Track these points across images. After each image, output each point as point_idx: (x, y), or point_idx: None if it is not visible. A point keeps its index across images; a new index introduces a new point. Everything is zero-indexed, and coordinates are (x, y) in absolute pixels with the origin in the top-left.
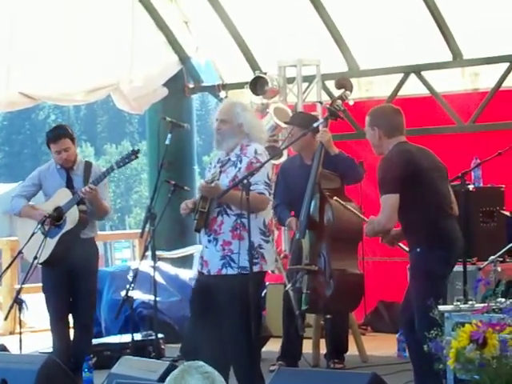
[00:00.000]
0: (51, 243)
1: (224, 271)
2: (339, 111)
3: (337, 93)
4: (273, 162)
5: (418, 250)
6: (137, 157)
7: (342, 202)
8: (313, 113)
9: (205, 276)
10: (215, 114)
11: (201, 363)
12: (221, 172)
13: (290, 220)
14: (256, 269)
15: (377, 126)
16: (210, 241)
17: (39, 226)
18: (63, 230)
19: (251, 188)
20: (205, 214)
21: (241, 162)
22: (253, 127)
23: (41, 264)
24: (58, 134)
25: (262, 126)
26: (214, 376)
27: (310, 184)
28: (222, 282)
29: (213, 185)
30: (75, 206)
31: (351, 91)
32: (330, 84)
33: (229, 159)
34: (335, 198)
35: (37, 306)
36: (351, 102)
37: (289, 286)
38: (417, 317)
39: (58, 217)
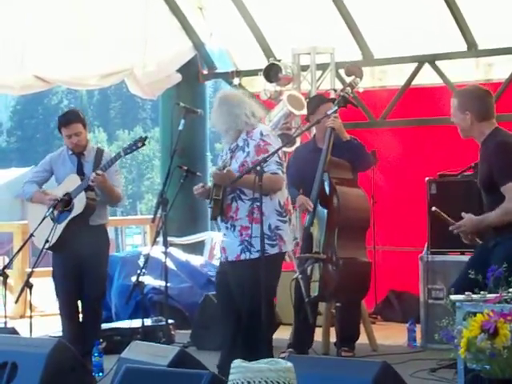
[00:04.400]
0: (59, 228)
1: (243, 256)
2: (350, 97)
3: (348, 80)
4: (285, 149)
5: None
6: (144, 144)
7: (441, 214)
8: None
9: (222, 264)
10: None
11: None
12: (231, 158)
13: (299, 198)
14: (275, 250)
15: (469, 109)
16: (227, 228)
17: (50, 210)
18: (71, 216)
19: (264, 170)
20: (219, 202)
21: (248, 145)
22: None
23: (48, 249)
24: (70, 118)
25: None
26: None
27: (319, 170)
28: (241, 267)
29: (225, 171)
30: (83, 192)
31: (361, 78)
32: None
33: (237, 145)
34: (434, 208)
35: (47, 290)
36: (361, 89)
37: (297, 274)
38: None
39: (67, 202)
